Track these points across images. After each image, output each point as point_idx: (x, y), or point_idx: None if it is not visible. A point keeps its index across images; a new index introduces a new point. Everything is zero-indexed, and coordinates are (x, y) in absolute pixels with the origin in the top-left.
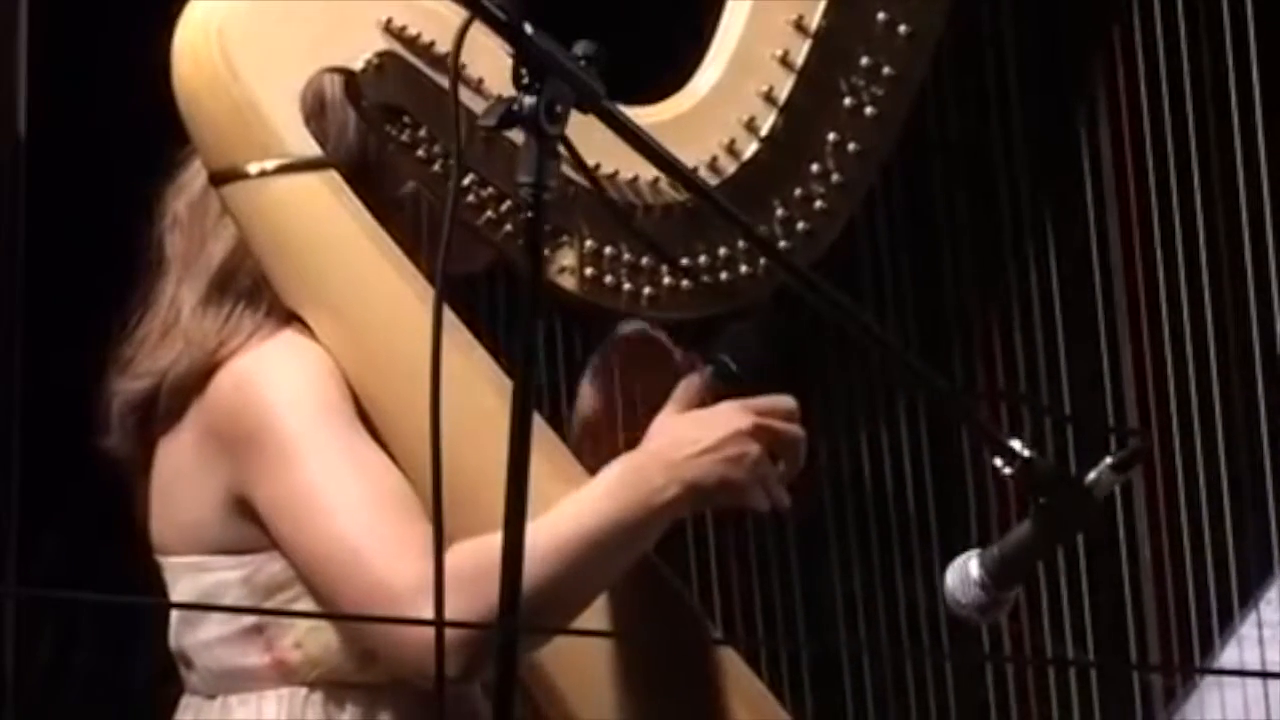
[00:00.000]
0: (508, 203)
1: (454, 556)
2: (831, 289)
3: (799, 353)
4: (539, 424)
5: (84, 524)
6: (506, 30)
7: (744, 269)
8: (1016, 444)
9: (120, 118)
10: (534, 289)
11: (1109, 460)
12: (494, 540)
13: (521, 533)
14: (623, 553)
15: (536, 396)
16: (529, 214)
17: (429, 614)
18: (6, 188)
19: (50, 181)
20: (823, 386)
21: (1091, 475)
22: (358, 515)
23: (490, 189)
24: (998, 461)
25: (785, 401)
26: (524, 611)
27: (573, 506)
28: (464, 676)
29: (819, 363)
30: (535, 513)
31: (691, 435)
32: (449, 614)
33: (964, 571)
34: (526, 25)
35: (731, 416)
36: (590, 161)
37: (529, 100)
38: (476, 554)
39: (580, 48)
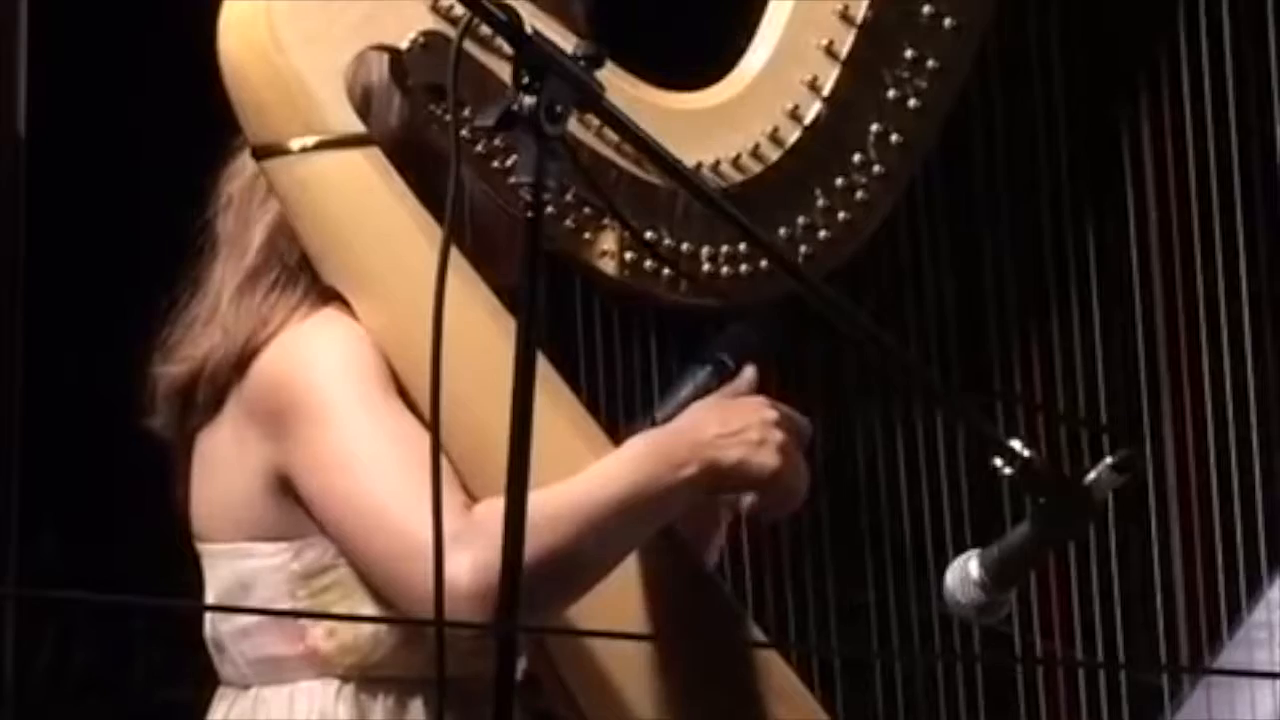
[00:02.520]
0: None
1: (485, 508)
2: (830, 289)
3: (798, 352)
4: (575, 405)
5: (84, 524)
6: (506, 30)
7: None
8: (1016, 444)
9: (120, 117)
10: (532, 289)
11: (1109, 460)
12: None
13: (522, 536)
14: (641, 524)
15: (572, 374)
16: (529, 214)
17: (456, 562)
18: (6, 188)
19: (50, 181)
20: (821, 386)
21: (1091, 475)
22: (387, 473)
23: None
24: (997, 461)
25: (804, 421)
26: (540, 575)
27: (595, 474)
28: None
29: (818, 362)
30: (563, 478)
31: (717, 418)
32: (480, 563)
33: (963, 572)
34: (526, 25)
35: (759, 406)
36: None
37: (528, 100)
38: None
39: (580, 48)
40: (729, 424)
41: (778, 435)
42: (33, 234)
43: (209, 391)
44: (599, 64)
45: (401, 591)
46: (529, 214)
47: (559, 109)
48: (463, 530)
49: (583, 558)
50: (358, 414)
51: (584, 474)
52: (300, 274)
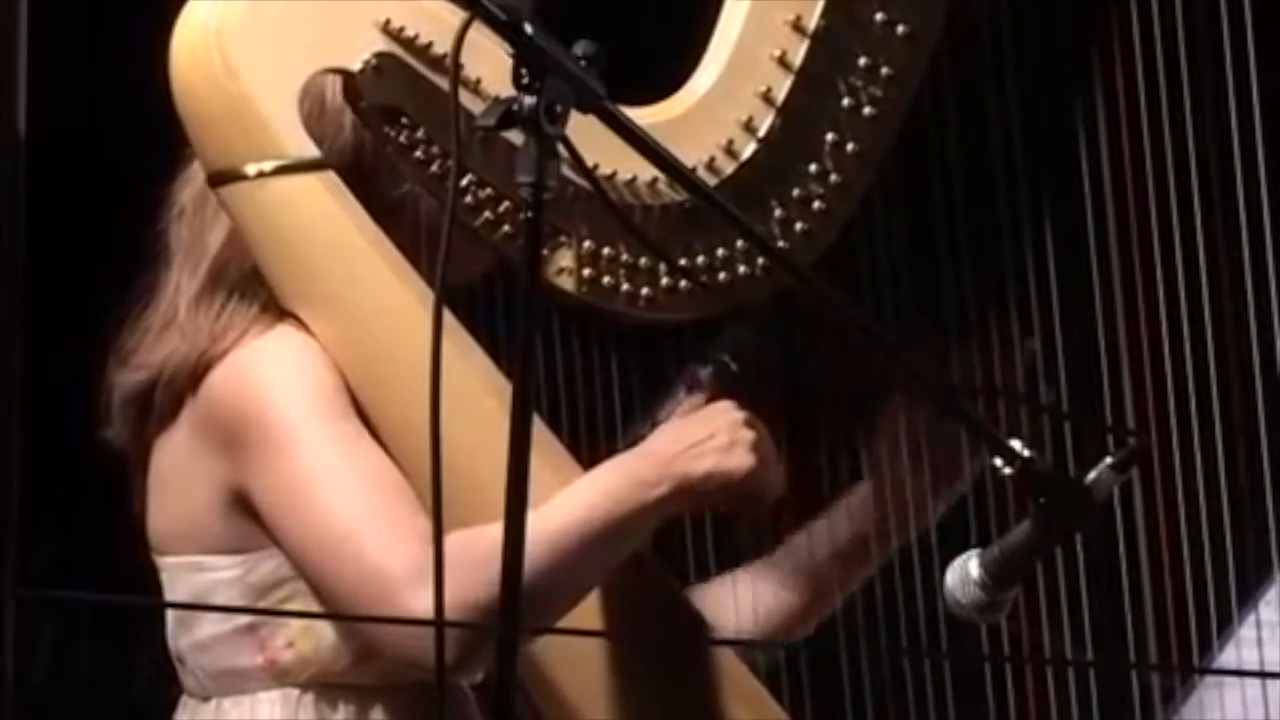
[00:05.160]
0: (506, 203)
1: (446, 544)
2: (831, 289)
3: (798, 353)
4: (538, 425)
5: (84, 524)
6: (506, 30)
7: (741, 269)
8: (1016, 444)
9: (120, 118)
10: (532, 289)
11: (1109, 460)
12: (486, 530)
13: (522, 536)
14: (613, 549)
15: (535, 397)
16: (528, 214)
17: (422, 598)
18: (6, 188)
19: (50, 181)
20: (822, 386)
21: (1091, 475)
22: (351, 501)
23: (488, 190)
24: (997, 461)
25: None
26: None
27: (565, 501)
28: (456, 668)
29: (818, 363)
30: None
31: (683, 433)
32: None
33: (964, 571)
34: (526, 25)
35: (723, 411)
36: (588, 162)
37: (529, 100)
38: (469, 543)
39: (580, 48)
40: (693, 435)
41: (746, 434)
42: (33, 234)
43: (166, 398)
44: (600, 64)
45: (369, 626)
46: (529, 214)
47: (559, 109)
48: (427, 563)
49: (557, 586)
50: (317, 438)
51: (556, 501)
52: (257, 282)
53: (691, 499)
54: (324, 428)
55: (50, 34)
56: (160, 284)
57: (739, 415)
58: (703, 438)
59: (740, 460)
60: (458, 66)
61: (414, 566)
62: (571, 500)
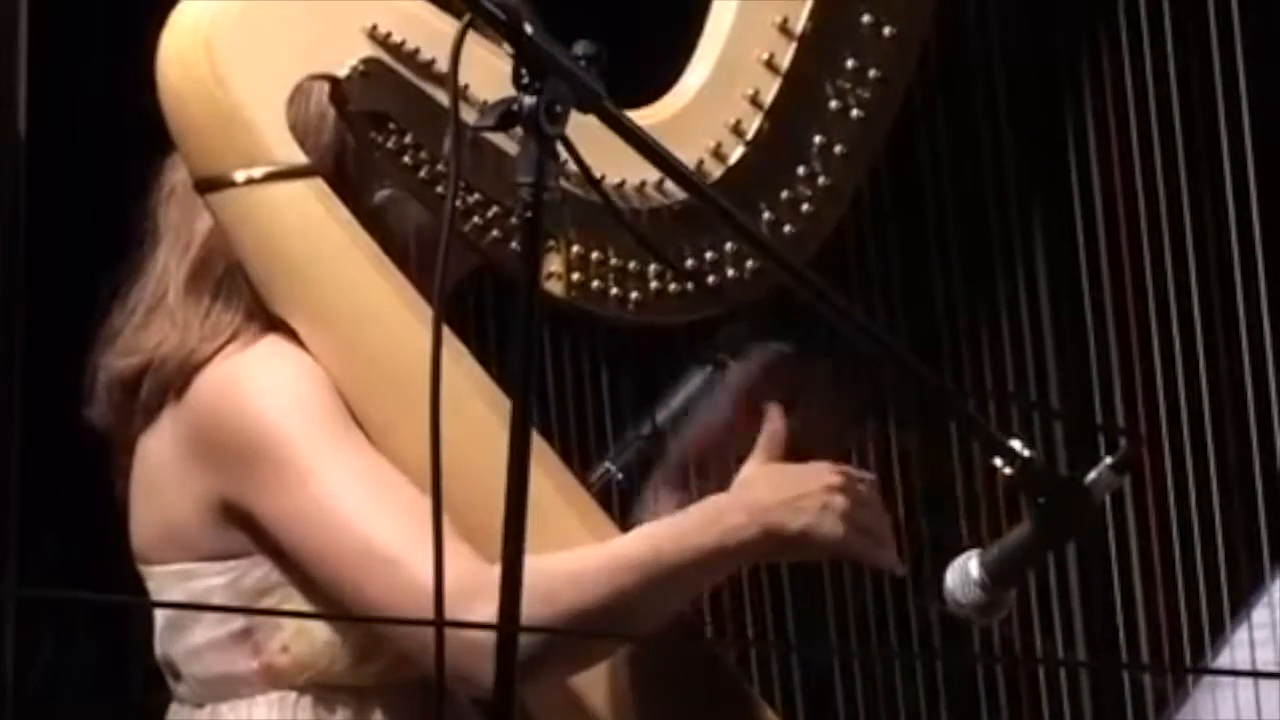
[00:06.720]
0: (494, 208)
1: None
2: (831, 290)
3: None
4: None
5: (84, 524)
6: (506, 30)
7: (730, 272)
8: (1016, 444)
9: (120, 118)
10: (531, 290)
11: (1108, 460)
12: (549, 559)
13: (521, 537)
14: (691, 584)
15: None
16: (528, 215)
17: (477, 616)
18: (6, 188)
19: (50, 181)
20: (820, 386)
21: (1091, 475)
22: (387, 523)
23: (477, 195)
24: (997, 461)
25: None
26: (587, 624)
27: (652, 530)
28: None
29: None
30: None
31: (780, 483)
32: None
33: (963, 571)
34: (526, 25)
35: (822, 472)
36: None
37: (529, 100)
38: (541, 573)
39: (580, 48)
40: (792, 489)
41: (839, 502)
42: (33, 234)
43: (152, 389)
44: (599, 64)
45: (419, 642)
46: (528, 214)
47: (559, 109)
48: (486, 586)
49: (631, 611)
50: (332, 457)
51: (643, 529)
52: (244, 273)
53: (780, 550)
54: (335, 446)
55: (50, 34)
56: (148, 263)
57: (836, 479)
58: (799, 494)
59: (834, 527)
60: (457, 66)
61: (472, 589)
62: (657, 531)
